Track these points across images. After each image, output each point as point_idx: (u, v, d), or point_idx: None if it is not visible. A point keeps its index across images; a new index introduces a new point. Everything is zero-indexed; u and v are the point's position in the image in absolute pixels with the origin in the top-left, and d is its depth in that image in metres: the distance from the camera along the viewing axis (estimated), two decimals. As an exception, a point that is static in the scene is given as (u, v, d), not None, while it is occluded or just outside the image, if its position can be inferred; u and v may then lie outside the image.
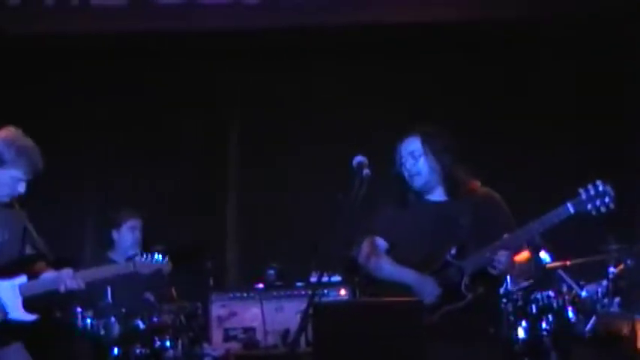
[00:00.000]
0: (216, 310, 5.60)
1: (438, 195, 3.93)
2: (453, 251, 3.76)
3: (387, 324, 3.06)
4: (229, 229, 6.48)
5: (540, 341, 4.59)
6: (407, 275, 3.79)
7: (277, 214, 6.28)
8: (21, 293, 3.76)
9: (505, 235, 3.71)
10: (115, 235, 5.46)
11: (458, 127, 5.87)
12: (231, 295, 5.65)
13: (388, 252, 3.92)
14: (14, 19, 5.94)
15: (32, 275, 3.85)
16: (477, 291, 3.71)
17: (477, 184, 3.93)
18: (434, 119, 4.09)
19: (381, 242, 3.94)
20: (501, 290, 4.55)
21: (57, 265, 3.98)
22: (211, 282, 5.60)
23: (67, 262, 4.12)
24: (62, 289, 3.85)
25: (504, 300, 4.68)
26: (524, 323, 4.67)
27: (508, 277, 4.71)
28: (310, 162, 6.25)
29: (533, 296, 4.73)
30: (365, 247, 3.93)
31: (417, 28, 6.06)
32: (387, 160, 3.99)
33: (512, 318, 4.65)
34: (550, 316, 4.64)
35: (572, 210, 3.62)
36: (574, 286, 4.71)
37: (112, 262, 5.18)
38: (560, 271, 4.76)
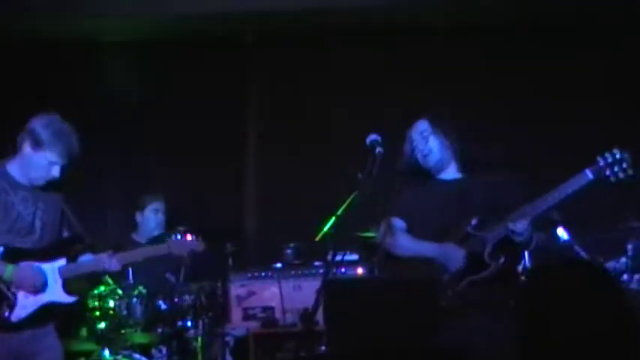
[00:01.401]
0: (235, 289, 5.59)
1: (451, 173, 3.98)
2: (474, 222, 3.78)
3: (400, 300, 3.07)
4: (248, 210, 6.51)
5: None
6: (427, 247, 3.81)
7: (295, 194, 6.30)
8: (60, 275, 3.80)
9: (524, 206, 3.71)
10: (138, 217, 5.52)
11: (481, 106, 5.94)
12: (250, 274, 5.64)
13: (407, 232, 3.93)
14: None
15: (71, 258, 3.89)
16: (501, 260, 3.73)
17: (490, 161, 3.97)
18: (454, 99, 4.08)
19: (400, 223, 3.97)
20: (520, 267, 4.56)
21: (94, 247, 4.03)
22: (230, 262, 5.62)
23: (103, 244, 4.17)
24: (100, 271, 3.91)
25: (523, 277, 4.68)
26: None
27: (526, 254, 4.74)
28: (329, 141, 6.26)
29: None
30: (383, 228, 3.95)
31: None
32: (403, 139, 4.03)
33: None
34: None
35: (590, 175, 3.61)
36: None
37: (136, 244, 5.24)
38: (578, 248, 4.76)
